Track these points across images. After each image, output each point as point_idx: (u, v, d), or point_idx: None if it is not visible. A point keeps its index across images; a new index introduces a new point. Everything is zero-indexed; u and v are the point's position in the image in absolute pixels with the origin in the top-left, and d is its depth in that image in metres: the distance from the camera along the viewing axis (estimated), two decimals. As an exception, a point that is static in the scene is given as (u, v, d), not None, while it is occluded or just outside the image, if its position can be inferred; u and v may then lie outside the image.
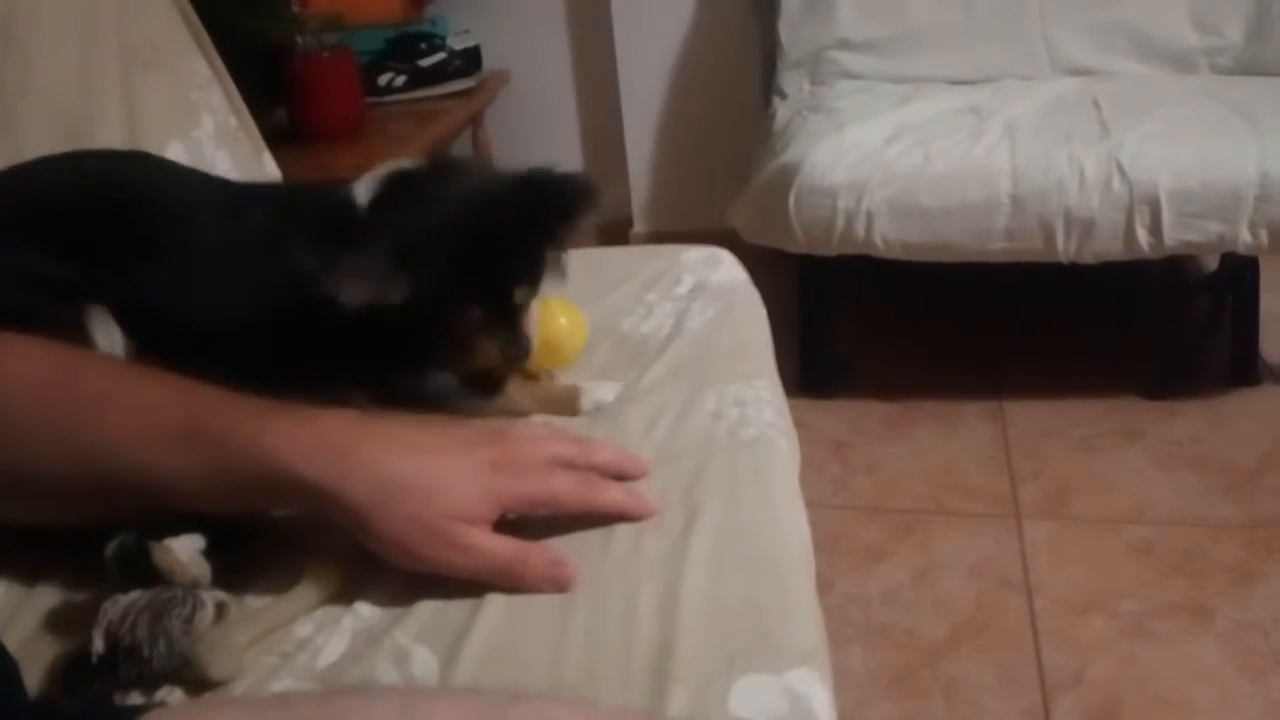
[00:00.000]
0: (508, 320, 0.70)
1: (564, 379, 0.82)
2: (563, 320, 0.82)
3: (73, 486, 0.58)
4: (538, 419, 0.77)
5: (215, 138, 1.08)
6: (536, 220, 0.70)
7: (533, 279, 0.71)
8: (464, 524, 0.57)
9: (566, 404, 0.78)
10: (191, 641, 0.52)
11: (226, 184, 0.81)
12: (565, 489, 0.61)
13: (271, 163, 1.17)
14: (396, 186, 0.71)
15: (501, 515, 0.59)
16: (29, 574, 0.63)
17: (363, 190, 0.71)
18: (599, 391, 0.78)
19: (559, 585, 0.58)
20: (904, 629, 1.35)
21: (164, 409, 0.59)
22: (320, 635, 0.56)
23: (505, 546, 0.58)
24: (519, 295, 0.70)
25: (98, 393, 0.59)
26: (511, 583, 0.58)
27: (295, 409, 0.58)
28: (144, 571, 0.55)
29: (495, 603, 0.56)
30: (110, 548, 0.55)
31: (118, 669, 0.51)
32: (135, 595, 0.54)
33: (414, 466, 0.57)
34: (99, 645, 0.51)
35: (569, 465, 0.62)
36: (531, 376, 0.81)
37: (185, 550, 0.56)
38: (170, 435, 0.57)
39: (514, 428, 0.71)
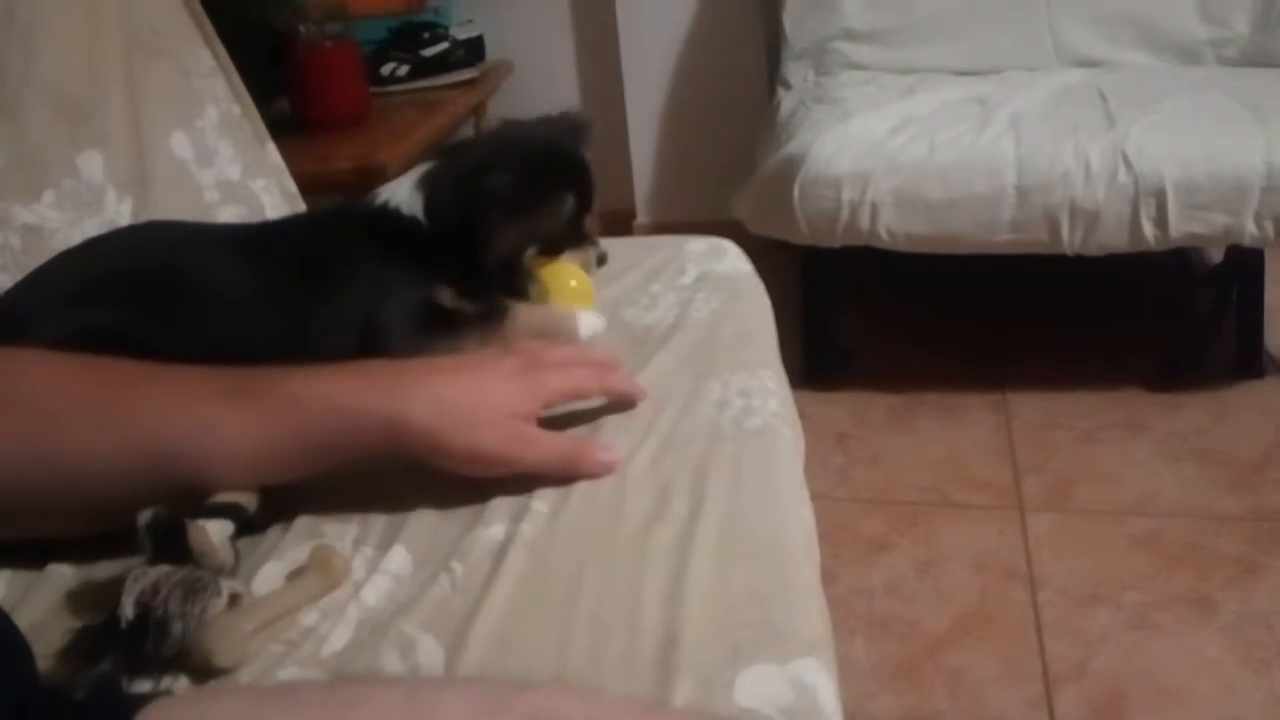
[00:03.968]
0: (590, 231, 0.86)
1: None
2: (573, 283, 0.86)
3: (121, 467, 0.57)
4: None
5: (218, 127, 1.08)
6: (577, 141, 0.86)
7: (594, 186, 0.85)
8: (523, 421, 0.63)
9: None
10: (198, 629, 0.52)
11: (255, 227, 0.91)
12: (585, 377, 0.69)
13: (275, 153, 1.17)
14: (443, 178, 0.78)
15: (543, 408, 0.65)
16: (39, 554, 0.63)
17: (404, 197, 0.78)
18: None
19: (610, 468, 0.66)
20: (907, 620, 1.35)
21: (207, 377, 0.60)
22: (325, 624, 0.56)
23: (562, 438, 0.67)
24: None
25: (136, 372, 0.60)
26: (571, 469, 0.65)
27: (334, 364, 0.62)
28: (175, 547, 0.54)
29: (501, 591, 0.56)
30: (144, 517, 0.54)
31: (145, 640, 0.51)
32: (165, 569, 0.53)
33: (460, 381, 0.63)
34: (129, 612, 0.51)
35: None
36: None
37: (217, 534, 0.56)
38: (222, 393, 0.59)
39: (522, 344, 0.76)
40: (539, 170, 0.78)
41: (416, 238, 0.76)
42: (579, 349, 0.75)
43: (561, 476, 0.65)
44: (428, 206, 0.77)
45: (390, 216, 0.77)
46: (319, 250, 0.77)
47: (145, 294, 0.72)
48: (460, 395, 0.61)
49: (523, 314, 0.80)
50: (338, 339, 0.73)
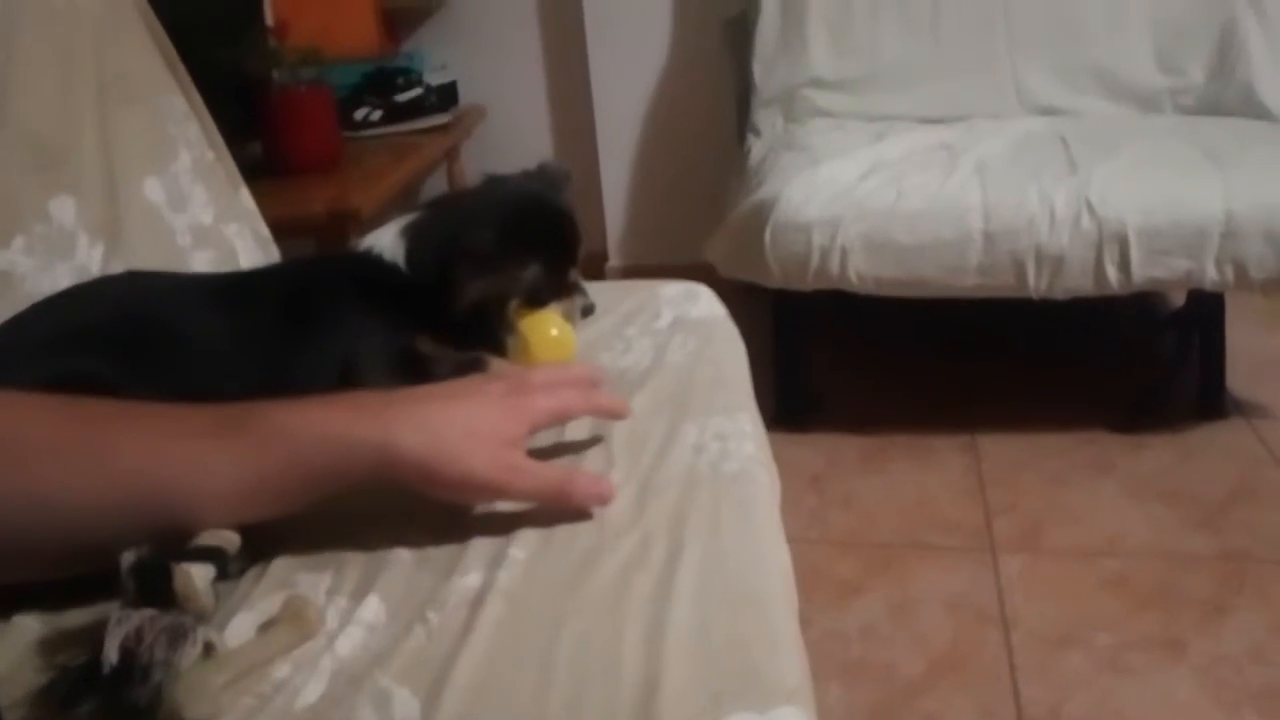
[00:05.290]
0: (577, 282, 0.86)
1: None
2: (554, 331, 0.86)
3: (104, 505, 0.56)
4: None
5: (192, 172, 1.07)
6: (559, 193, 0.87)
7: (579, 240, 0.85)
8: (513, 448, 0.63)
9: None
10: (169, 680, 0.50)
11: (235, 276, 0.91)
12: (571, 398, 0.69)
13: (248, 197, 1.17)
14: (426, 229, 0.79)
15: (531, 432, 0.65)
16: (4, 605, 0.61)
17: (387, 245, 0.78)
18: None
19: (603, 499, 0.65)
20: (882, 664, 1.35)
21: (192, 413, 0.60)
22: (298, 676, 0.55)
23: (552, 468, 0.67)
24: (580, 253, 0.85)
25: (118, 410, 0.59)
26: (561, 500, 0.64)
27: (319, 396, 0.62)
28: (158, 591, 0.53)
29: (478, 640, 0.56)
30: (127, 558, 0.54)
31: (126, 686, 0.49)
32: (148, 614, 0.52)
33: (450, 408, 0.62)
34: (113, 657, 0.49)
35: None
36: None
37: (202, 578, 0.55)
38: (206, 428, 0.58)
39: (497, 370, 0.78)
40: (511, 231, 0.78)
41: (397, 286, 0.77)
42: (561, 369, 0.75)
43: (551, 507, 0.64)
44: (409, 255, 0.78)
45: (373, 264, 0.78)
46: (300, 297, 0.77)
47: (124, 342, 0.71)
48: (449, 422, 0.61)
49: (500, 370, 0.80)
50: (317, 385, 0.72)
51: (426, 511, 0.65)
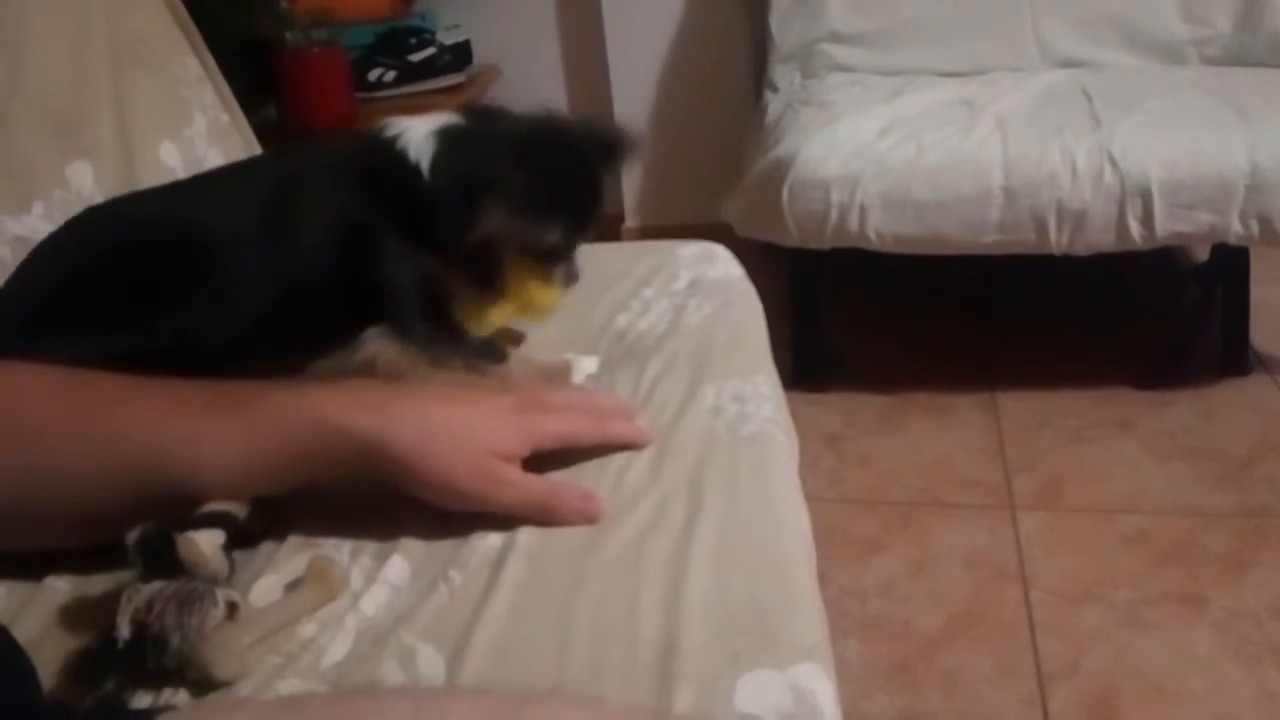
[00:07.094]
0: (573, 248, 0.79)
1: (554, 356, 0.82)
2: (538, 285, 0.80)
3: (108, 481, 0.57)
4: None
5: (207, 136, 1.08)
6: (608, 160, 0.83)
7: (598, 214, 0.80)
8: (502, 460, 0.61)
9: (558, 378, 0.79)
10: (196, 641, 0.52)
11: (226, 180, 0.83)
12: (583, 423, 0.67)
13: (264, 160, 1.17)
14: (462, 140, 0.73)
15: (531, 452, 0.63)
16: (36, 567, 0.63)
17: (415, 141, 0.72)
18: (585, 364, 0.82)
19: (590, 518, 0.62)
20: (900, 621, 1.35)
21: (191, 390, 0.60)
22: (324, 635, 0.56)
23: (541, 482, 0.63)
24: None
25: (119, 387, 0.60)
26: (546, 516, 0.62)
27: (323, 381, 0.62)
28: (166, 562, 0.55)
29: (500, 600, 0.57)
30: (132, 535, 0.55)
31: (144, 656, 0.51)
32: (158, 585, 0.53)
33: (450, 411, 0.61)
34: (125, 631, 0.51)
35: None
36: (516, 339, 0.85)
37: (208, 544, 0.56)
38: (206, 406, 0.59)
39: (524, 383, 0.76)
40: (545, 186, 0.72)
41: (413, 189, 0.71)
42: (585, 394, 0.74)
43: (537, 520, 0.62)
44: (434, 161, 0.71)
45: (395, 158, 0.71)
46: (308, 198, 0.73)
47: (126, 292, 0.69)
48: (447, 425, 0.60)
49: (517, 364, 0.78)
50: (341, 303, 0.70)
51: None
